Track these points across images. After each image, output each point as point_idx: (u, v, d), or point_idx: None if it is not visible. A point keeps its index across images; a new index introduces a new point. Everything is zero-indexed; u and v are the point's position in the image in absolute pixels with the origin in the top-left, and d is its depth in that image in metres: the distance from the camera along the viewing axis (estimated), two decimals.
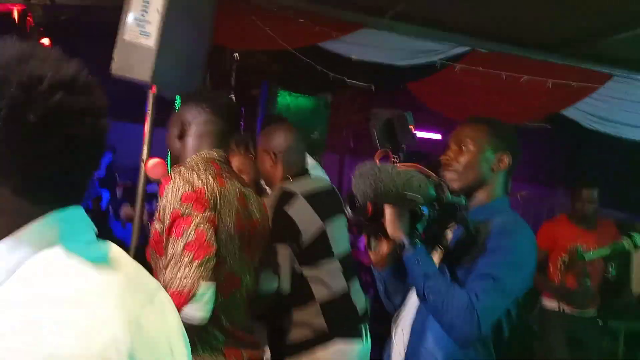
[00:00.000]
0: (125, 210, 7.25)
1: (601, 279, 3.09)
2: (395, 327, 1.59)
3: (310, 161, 3.39)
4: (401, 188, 1.24)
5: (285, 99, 3.83)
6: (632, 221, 4.48)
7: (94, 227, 0.64)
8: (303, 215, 2.01)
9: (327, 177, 3.09)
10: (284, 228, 1.98)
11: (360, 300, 2.20)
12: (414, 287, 1.52)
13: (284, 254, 1.99)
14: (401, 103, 4.20)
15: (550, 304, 3.34)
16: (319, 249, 2.07)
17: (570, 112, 3.56)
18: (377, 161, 1.51)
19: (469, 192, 1.51)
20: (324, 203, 2.09)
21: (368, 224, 1.44)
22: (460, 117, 3.61)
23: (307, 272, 2.06)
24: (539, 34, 3.36)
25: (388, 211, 1.36)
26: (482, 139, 1.51)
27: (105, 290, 0.58)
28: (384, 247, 1.48)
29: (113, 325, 0.54)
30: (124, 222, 7.50)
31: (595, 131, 3.68)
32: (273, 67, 4.36)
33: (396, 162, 1.74)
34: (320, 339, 2.05)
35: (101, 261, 0.61)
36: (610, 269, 2.06)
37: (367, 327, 2.20)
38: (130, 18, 2.33)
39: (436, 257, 1.52)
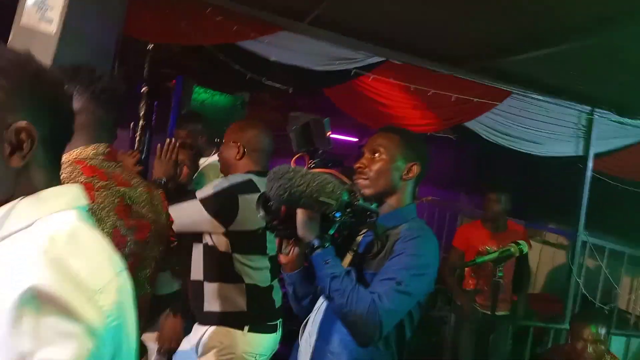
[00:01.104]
0: None
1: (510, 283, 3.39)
2: (303, 330, 1.62)
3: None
4: (315, 192, 1.27)
5: (201, 96, 3.74)
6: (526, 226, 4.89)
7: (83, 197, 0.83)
8: (251, 210, 2.01)
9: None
10: (223, 207, 2.07)
11: (278, 298, 2.31)
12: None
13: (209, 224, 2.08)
14: (319, 106, 4.26)
15: (464, 304, 3.59)
16: (254, 244, 2.17)
17: (472, 125, 3.79)
18: (293, 164, 1.53)
19: (379, 198, 1.58)
20: None
21: (280, 226, 1.46)
22: (373, 123, 3.75)
23: (238, 257, 2.13)
24: (447, 49, 3.53)
25: (300, 214, 1.38)
26: (394, 149, 1.59)
27: (107, 248, 0.78)
28: (295, 250, 1.52)
29: (109, 271, 0.74)
30: None
31: (495, 143, 3.95)
32: (189, 62, 4.25)
33: (312, 167, 1.78)
34: (238, 315, 2.13)
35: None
36: (498, 272, 2.23)
37: (281, 323, 2.30)
38: (29, 1, 2.17)
39: (347, 261, 1.57)
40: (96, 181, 1.32)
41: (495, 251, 2.32)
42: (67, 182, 1.33)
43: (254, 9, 3.16)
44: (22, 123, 0.71)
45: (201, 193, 2.12)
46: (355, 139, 8.64)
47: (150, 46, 3.78)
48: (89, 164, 1.34)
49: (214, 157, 3.34)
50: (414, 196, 1.67)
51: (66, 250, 0.68)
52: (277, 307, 2.30)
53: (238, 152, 2.21)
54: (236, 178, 2.18)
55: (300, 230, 1.41)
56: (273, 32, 3.24)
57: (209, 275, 2.16)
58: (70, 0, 2.19)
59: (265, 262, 2.22)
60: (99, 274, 0.70)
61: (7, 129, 0.71)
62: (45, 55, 2.13)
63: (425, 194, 5.64)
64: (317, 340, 1.55)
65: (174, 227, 1.75)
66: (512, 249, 2.24)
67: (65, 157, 1.30)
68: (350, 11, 3.11)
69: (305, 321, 1.64)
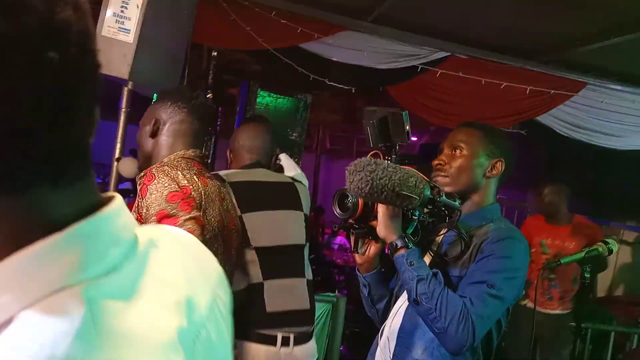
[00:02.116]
0: None
1: (576, 282, 3.20)
2: (380, 334, 1.54)
3: (287, 161, 3.38)
4: (397, 185, 1.19)
5: (265, 99, 3.79)
6: (601, 224, 4.63)
7: (131, 226, 0.47)
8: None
9: (305, 179, 3.07)
10: None
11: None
12: (401, 293, 1.49)
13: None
14: (380, 105, 4.21)
15: (521, 301, 3.43)
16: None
17: (546, 119, 3.63)
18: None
19: (461, 196, 1.46)
20: (258, 194, 2.01)
21: (357, 224, 1.39)
22: (439, 121, 3.67)
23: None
24: (516, 41, 3.41)
25: (381, 210, 1.32)
26: (476, 144, 1.50)
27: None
28: (372, 250, 1.45)
29: None
30: None
31: (569, 138, 3.76)
32: (253, 67, 4.32)
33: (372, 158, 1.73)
34: None
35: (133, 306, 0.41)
36: (585, 273, 2.09)
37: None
38: (109, 13, 2.27)
39: (426, 261, 1.47)
40: (204, 171, 1.58)
41: (578, 252, 2.18)
42: (188, 173, 1.44)
43: (316, 10, 3.17)
44: None
45: None
46: (414, 138, 8.53)
47: (215, 53, 3.88)
48: (196, 161, 1.58)
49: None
50: (496, 195, 1.55)
51: None
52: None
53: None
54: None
55: (382, 229, 1.33)
56: (336, 32, 3.24)
57: None
58: (146, 11, 2.28)
59: (248, 255, 1.93)
60: None
61: None
62: (124, 63, 2.23)
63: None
64: (397, 347, 1.46)
65: None
66: (601, 249, 2.10)
67: (172, 155, 1.54)
68: (413, 7, 3.06)
69: (382, 326, 1.55)
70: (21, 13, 0.33)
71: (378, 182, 1.17)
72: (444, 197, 1.33)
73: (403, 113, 1.47)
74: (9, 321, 0.35)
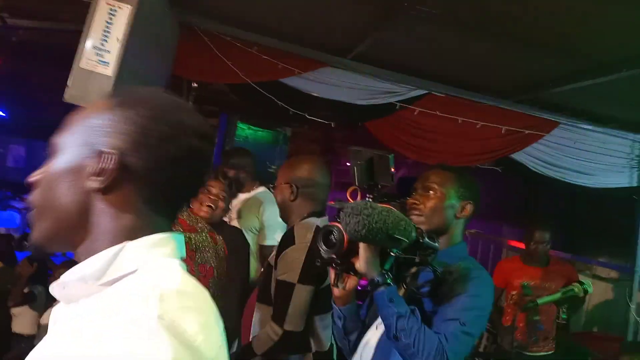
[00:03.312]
0: None
1: (554, 322, 3.21)
2: None
3: (267, 195, 3.36)
4: (390, 229, 1.27)
5: (245, 132, 3.80)
6: (574, 260, 4.70)
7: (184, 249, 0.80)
8: None
9: None
10: (314, 270, 1.87)
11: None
12: (372, 323, 1.58)
13: (306, 296, 1.90)
14: (358, 139, 4.24)
15: (505, 344, 3.42)
16: (328, 300, 1.94)
17: (520, 156, 3.70)
18: (349, 197, 1.53)
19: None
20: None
21: (339, 261, 1.45)
22: (416, 156, 3.71)
23: (316, 318, 1.98)
24: (491, 81, 3.50)
25: (363, 248, 1.37)
26: (448, 187, 1.61)
27: (209, 301, 0.70)
28: (350, 284, 1.51)
29: (218, 335, 0.67)
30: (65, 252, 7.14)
31: (542, 175, 3.84)
32: (232, 99, 4.34)
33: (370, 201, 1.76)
34: None
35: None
36: (561, 314, 2.11)
37: None
38: (88, 45, 2.26)
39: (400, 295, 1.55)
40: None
41: (555, 293, 2.20)
42: None
43: (297, 46, 3.22)
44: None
45: (291, 275, 1.91)
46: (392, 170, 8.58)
47: (195, 84, 3.89)
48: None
49: (256, 191, 3.37)
50: (463, 234, 1.68)
51: (179, 313, 0.61)
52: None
53: (292, 193, 2.07)
54: (302, 233, 1.99)
55: (363, 266, 1.39)
56: (316, 68, 3.28)
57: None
58: (126, 44, 2.27)
59: (329, 318, 2.00)
60: (211, 340, 0.64)
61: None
62: (102, 95, 2.20)
63: (469, 227, 5.50)
64: None
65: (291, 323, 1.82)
66: (576, 289, 2.13)
67: None
68: (391, 46, 3.13)
69: (352, 357, 1.62)
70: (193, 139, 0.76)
71: (374, 225, 1.25)
72: (426, 239, 1.44)
73: (390, 156, 1.55)
74: (135, 270, 0.67)
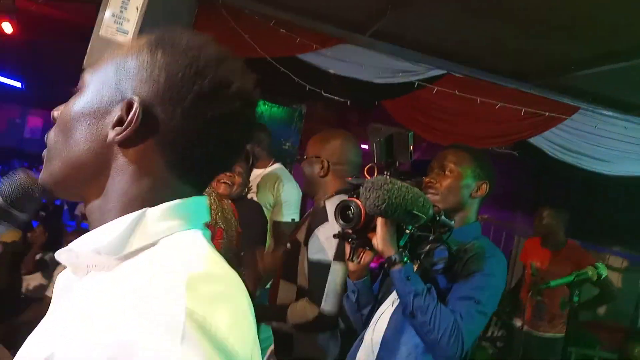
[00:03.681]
0: (81, 208, 6.99)
1: (564, 305, 3.21)
2: (363, 336, 1.62)
3: (283, 171, 3.35)
4: (409, 205, 1.29)
5: (259, 107, 3.79)
6: (587, 248, 4.66)
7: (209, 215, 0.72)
8: None
9: (299, 189, 3.03)
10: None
11: None
12: (386, 299, 1.61)
13: (343, 274, 1.84)
14: (375, 118, 4.21)
15: (516, 322, 3.45)
16: None
17: (538, 141, 3.65)
18: (366, 175, 1.54)
19: (449, 214, 1.56)
20: None
21: (356, 235, 1.47)
22: (433, 137, 3.68)
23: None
24: (511, 63, 3.45)
25: (380, 225, 1.39)
26: (464, 166, 1.62)
27: (239, 282, 0.62)
28: (365, 259, 1.54)
29: (249, 319, 0.59)
30: (79, 221, 7.25)
31: (558, 161, 3.79)
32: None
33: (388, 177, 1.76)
34: None
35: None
36: (574, 297, 2.10)
37: None
38: (107, 14, 2.26)
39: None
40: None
41: (568, 275, 2.19)
42: None
43: (316, 21, 3.18)
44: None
45: (326, 253, 1.86)
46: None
47: None
48: None
49: (272, 168, 3.36)
50: (477, 214, 1.68)
51: (210, 306, 0.52)
52: None
53: (322, 168, 1.98)
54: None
55: (380, 243, 1.40)
56: (334, 45, 3.24)
57: None
58: (145, 14, 2.26)
59: None
60: (245, 335, 0.56)
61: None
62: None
63: (481, 212, 5.46)
64: (380, 351, 1.54)
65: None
66: (590, 272, 2.11)
67: None
68: (411, 24, 3.08)
69: (363, 331, 1.64)
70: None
71: (394, 200, 1.27)
72: (443, 216, 1.45)
73: (409, 134, 1.54)
74: (156, 242, 0.59)
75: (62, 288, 0.65)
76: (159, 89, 0.61)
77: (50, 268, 3.88)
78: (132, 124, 0.59)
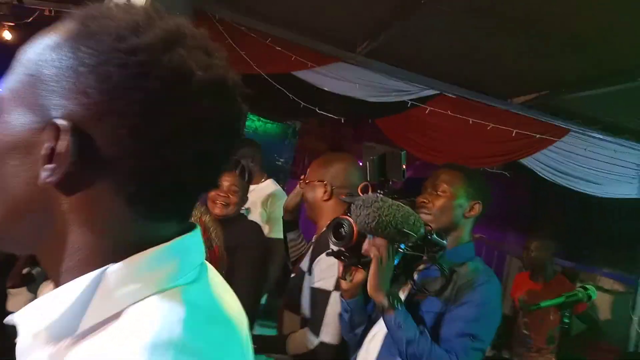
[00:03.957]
0: None
1: (552, 340, 3.20)
2: (356, 357, 1.62)
3: (275, 188, 3.35)
4: (399, 223, 1.28)
5: (254, 123, 3.80)
6: (577, 269, 4.67)
7: (203, 251, 0.54)
8: None
9: None
10: None
11: None
12: (379, 319, 1.57)
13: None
14: (368, 136, 4.23)
15: (504, 354, 3.43)
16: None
17: (529, 162, 3.68)
18: (360, 193, 1.53)
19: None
20: None
21: (349, 253, 1.46)
22: (425, 156, 3.70)
23: None
24: (503, 84, 3.49)
25: (372, 269, 1.39)
26: (457, 186, 1.62)
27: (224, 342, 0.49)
28: (357, 277, 1.52)
29: None
30: None
31: (550, 182, 3.82)
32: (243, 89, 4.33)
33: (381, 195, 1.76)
34: None
35: (216, 308, 0.51)
36: (564, 318, 2.10)
37: None
38: None
39: (405, 291, 1.58)
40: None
41: (558, 297, 2.19)
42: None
43: (311, 40, 3.21)
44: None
45: (328, 282, 1.80)
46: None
47: None
48: None
49: (265, 184, 3.36)
50: (471, 234, 1.68)
51: None
52: None
53: (325, 192, 1.95)
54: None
55: (371, 288, 1.40)
56: (329, 63, 3.27)
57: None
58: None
59: None
60: None
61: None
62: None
63: (475, 231, 5.47)
64: None
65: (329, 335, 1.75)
66: (580, 294, 2.12)
67: None
68: (405, 44, 3.12)
69: (356, 352, 1.63)
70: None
71: (384, 218, 1.26)
72: (435, 235, 1.44)
73: (402, 153, 1.55)
74: (120, 313, 0.44)
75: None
76: (92, 102, 0.42)
77: (37, 282, 3.81)
78: (65, 158, 0.42)
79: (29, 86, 0.45)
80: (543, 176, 3.74)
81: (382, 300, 1.40)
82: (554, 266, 3.54)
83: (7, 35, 3.46)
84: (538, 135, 3.52)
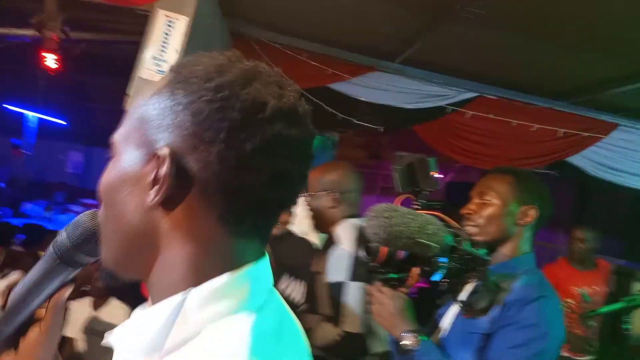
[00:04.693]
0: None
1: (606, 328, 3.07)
2: None
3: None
4: (415, 233, 1.15)
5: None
6: (631, 267, 4.48)
7: (271, 275, 0.60)
8: None
9: None
10: (365, 265, 1.86)
11: None
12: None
13: (358, 294, 1.83)
14: (407, 144, 4.20)
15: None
16: None
17: (576, 160, 3.58)
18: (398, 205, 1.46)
19: (492, 247, 1.44)
20: None
21: (382, 269, 1.33)
22: (468, 160, 3.65)
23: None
24: (544, 82, 3.41)
25: (388, 298, 1.32)
26: (505, 191, 1.46)
27: None
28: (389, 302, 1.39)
29: None
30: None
31: (600, 179, 3.70)
32: None
33: (417, 209, 1.69)
34: None
35: (281, 336, 0.56)
36: (624, 325, 2.01)
37: None
38: (148, 55, 2.36)
39: (453, 311, 1.47)
40: None
41: (619, 301, 2.10)
42: None
43: (346, 52, 3.24)
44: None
45: (340, 273, 1.86)
46: (441, 176, 8.46)
47: None
48: None
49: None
50: (532, 244, 1.50)
51: None
52: None
53: (332, 200, 1.98)
54: (347, 232, 1.94)
55: (385, 321, 1.33)
56: (365, 73, 3.29)
57: None
58: (183, 55, 2.36)
59: None
60: None
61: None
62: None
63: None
64: None
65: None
66: None
67: None
68: (441, 49, 3.10)
69: None
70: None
71: (395, 228, 1.13)
72: (466, 245, 1.29)
73: (430, 159, 1.46)
74: (197, 332, 0.51)
75: None
76: (187, 134, 0.52)
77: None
78: (167, 180, 0.51)
79: (137, 128, 0.55)
80: (592, 173, 3.63)
81: (397, 334, 1.32)
82: (594, 256, 3.42)
83: (53, 65, 3.64)
84: (584, 133, 3.41)
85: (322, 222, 2.06)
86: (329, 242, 1.97)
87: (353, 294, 1.82)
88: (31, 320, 0.71)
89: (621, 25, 2.43)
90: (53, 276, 0.68)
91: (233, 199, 0.52)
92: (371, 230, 1.16)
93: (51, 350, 0.72)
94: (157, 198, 0.52)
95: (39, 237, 4.66)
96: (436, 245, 1.18)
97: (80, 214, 0.67)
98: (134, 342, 0.54)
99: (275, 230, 2.26)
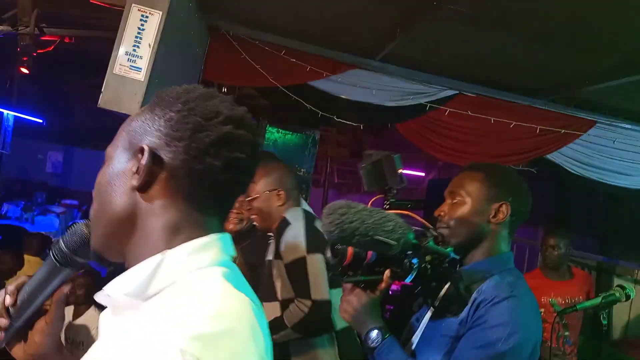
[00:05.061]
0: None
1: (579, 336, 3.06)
2: None
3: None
4: (370, 230, 1.10)
5: (273, 135, 3.82)
6: (613, 263, 4.54)
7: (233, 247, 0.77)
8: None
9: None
10: (320, 239, 1.92)
11: None
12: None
13: (320, 264, 1.93)
14: (388, 142, 4.20)
15: None
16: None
17: (555, 157, 3.60)
18: (370, 206, 1.42)
19: (467, 248, 1.38)
20: None
21: (350, 272, 1.28)
22: (448, 158, 3.65)
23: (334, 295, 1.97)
24: (523, 80, 3.43)
25: (356, 295, 1.29)
26: (475, 189, 1.39)
27: (248, 326, 0.66)
28: (354, 301, 1.33)
29: (252, 351, 0.64)
30: None
31: (579, 175, 3.72)
32: (261, 102, 4.37)
33: (387, 207, 1.66)
34: None
35: (240, 288, 0.70)
36: (603, 320, 2.02)
37: None
38: (121, 51, 2.31)
39: (428, 315, 1.42)
40: None
41: (595, 297, 2.12)
42: None
43: (325, 49, 3.21)
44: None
45: (298, 250, 1.95)
46: (422, 174, 8.52)
47: (225, 89, 3.93)
48: None
49: None
50: (510, 242, 1.42)
51: (208, 347, 0.58)
52: None
53: (279, 198, 2.08)
54: (294, 215, 2.04)
55: (349, 316, 1.30)
56: (344, 70, 3.27)
57: None
58: (158, 50, 2.31)
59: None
60: None
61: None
62: (134, 100, 2.25)
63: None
64: None
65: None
66: (617, 294, 2.04)
67: None
68: (421, 46, 3.09)
69: None
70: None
71: (348, 225, 1.09)
72: (430, 243, 1.25)
73: (395, 156, 1.43)
74: (174, 282, 0.67)
75: (102, 325, 0.73)
76: (161, 135, 0.70)
77: None
78: (145, 168, 0.68)
79: (125, 138, 0.74)
80: (571, 170, 3.65)
81: (362, 331, 1.30)
82: (568, 262, 3.36)
83: (29, 64, 3.56)
84: (563, 130, 3.44)
85: (269, 221, 2.12)
86: (280, 231, 2.02)
87: (314, 265, 1.91)
88: (37, 315, 0.87)
89: (598, 22, 2.44)
90: (54, 276, 0.85)
91: (196, 180, 0.70)
92: (326, 228, 1.12)
93: (55, 339, 0.88)
94: (138, 182, 0.69)
95: (16, 238, 4.59)
96: (395, 242, 1.14)
97: (77, 224, 0.84)
98: (122, 289, 0.67)
99: (241, 227, 2.38)
